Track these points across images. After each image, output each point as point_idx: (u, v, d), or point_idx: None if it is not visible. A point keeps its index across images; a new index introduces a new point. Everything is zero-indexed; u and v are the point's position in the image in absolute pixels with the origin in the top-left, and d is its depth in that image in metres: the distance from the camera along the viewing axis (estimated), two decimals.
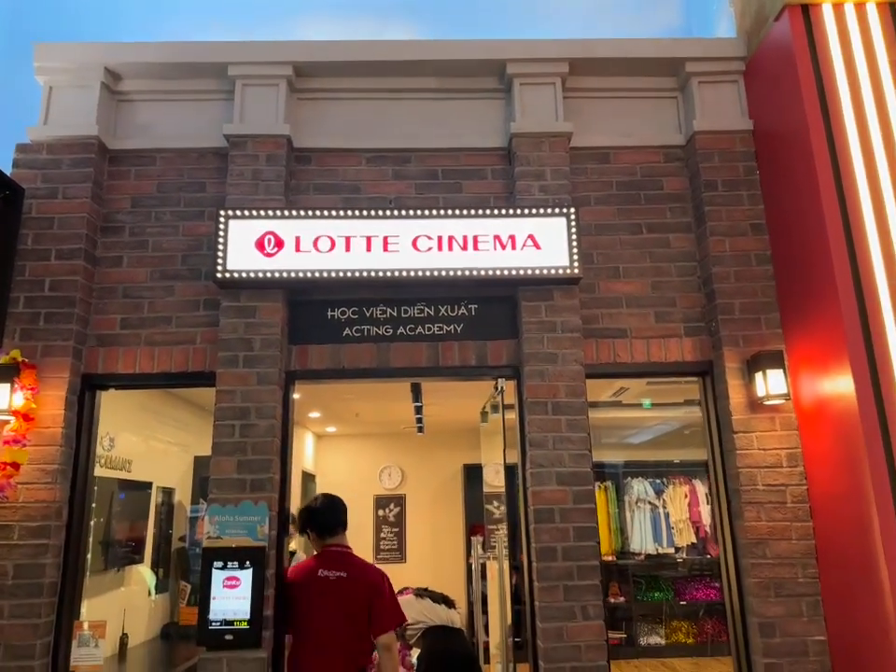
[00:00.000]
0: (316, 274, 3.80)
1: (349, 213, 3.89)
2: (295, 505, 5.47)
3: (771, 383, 3.63)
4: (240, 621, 3.36)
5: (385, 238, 3.86)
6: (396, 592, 5.46)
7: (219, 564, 3.43)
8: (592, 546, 3.57)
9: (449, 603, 4.93)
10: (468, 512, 9.11)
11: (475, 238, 3.87)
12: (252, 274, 3.78)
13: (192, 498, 6.48)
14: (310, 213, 3.88)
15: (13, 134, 4.04)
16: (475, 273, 3.82)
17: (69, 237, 3.89)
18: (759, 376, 3.68)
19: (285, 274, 3.79)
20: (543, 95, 4.21)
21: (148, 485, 5.84)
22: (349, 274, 3.80)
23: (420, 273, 3.82)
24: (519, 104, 4.20)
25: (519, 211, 3.91)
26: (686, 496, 7.95)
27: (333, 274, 3.80)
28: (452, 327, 3.95)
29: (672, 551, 7.77)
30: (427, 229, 3.88)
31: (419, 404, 6.96)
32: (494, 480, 5.82)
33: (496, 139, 4.25)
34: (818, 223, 3.51)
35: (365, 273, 3.81)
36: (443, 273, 3.82)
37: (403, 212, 3.92)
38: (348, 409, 7.70)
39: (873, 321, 3.31)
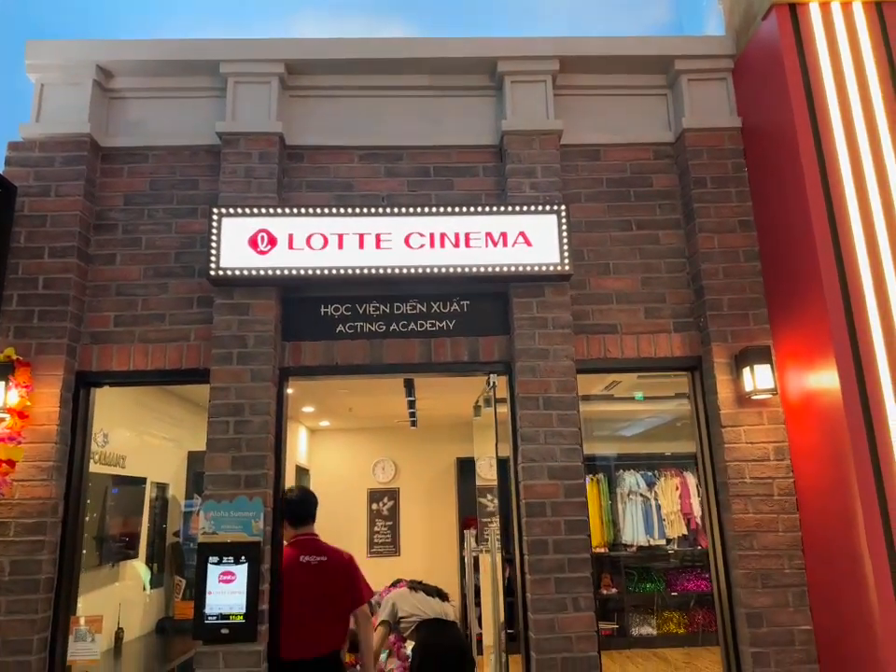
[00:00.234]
0: (309, 272, 3.82)
1: (342, 210, 3.91)
2: None
3: (758, 378, 3.68)
4: (236, 615, 3.40)
5: (378, 235, 3.88)
6: (390, 584, 5.54)
7: (215, 559, 3.46)
8: (583, 539, 3.62)
9: (443, 596, 5.00)
10: (461, 506, 9.18)
11: (467, 235, 3.90)
12: (245, 272, 3.80)
13: (186, 494, 6.51)
14: (303, 210, 3.90)
15: (5, 132, 4.05)
16: (467, 269, 3.85)
17: (62, 235, 3.90)
18: (746, 371, 3.73)
19: (278, 272, 3.81)
20: (534, 93, 4.24)
21: (143, 481, 5.86)
22: (342, 272, 3.83)
23: (412, 270, 3.84)
24: (510, 101, 4.22)
25: (510, 208, 3.95)
26: (677, 488, 8.04)
27: (326, 272, 3.82)
28: (444, 323, 3.99)
29: (663, 542, 7.87)
30: (420, 226, 3.91)
31: (412, 399, 7.00)
32: (487, 473, 5.88)
33: (487, 136, 4.27)
34: (804, 220, 3.56)
35: (358, 271, 3.83)
36: (436, 270, 3.85)
37: (396, 209, 3.94)
38: (342, 404, 7.74)
39: (857, 317, 3.36)
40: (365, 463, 9.67)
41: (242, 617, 3.40)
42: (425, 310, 4.00)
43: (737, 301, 3.95)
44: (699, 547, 7.81)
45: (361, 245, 3.87)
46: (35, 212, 3.93)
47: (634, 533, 7.84)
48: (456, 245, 3.89)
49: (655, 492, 8.02)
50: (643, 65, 4.34)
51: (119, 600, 5.26)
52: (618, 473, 8.15)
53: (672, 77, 4.34)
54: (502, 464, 4.07)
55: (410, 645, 5.03)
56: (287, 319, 3.97)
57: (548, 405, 3.77)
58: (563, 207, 3.93)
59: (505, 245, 3.89)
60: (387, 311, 3.99)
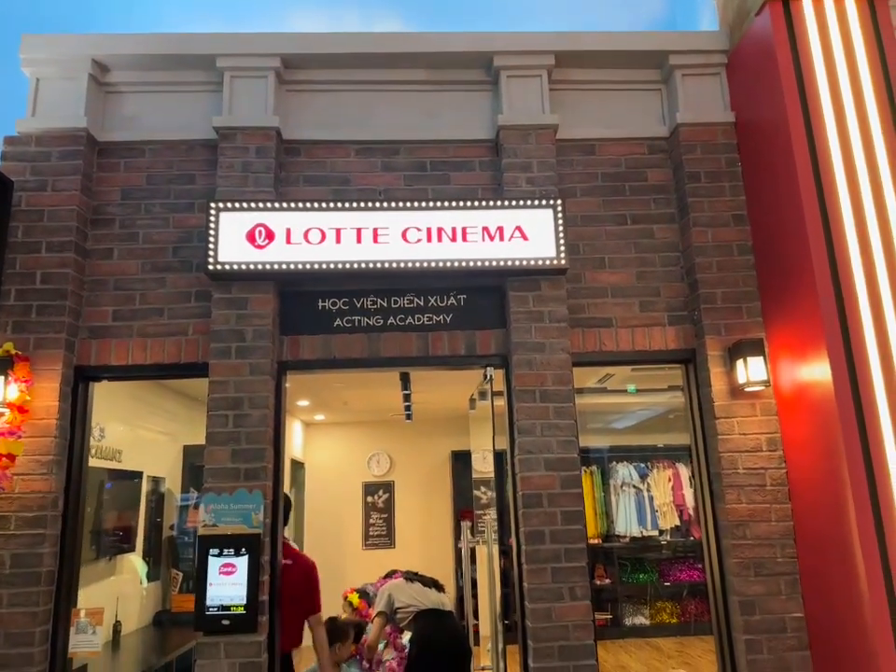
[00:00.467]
0: (307, 266, 3.84)
1: (339, 205, 3.93)
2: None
3: (751, 370, 3.73)
4: (237, 606, 3.44)
5: (375, 230, 3.91)
6: (384, 575, 5.59)
7: (215, 551, 3.49)
8: (579, 529, 3.67)
9: (438, 587, 5.03)
10: (456, 498, 9.23)
11: (464, 230, 3.93)
12: (243, 266, 3.81)
13: (182, 487, 6.53)
14: (300, 205, 3.91)
15: (1, 127, 4.04)
16: (464, 264, 3.88)
17: (59, 230, 3.90)
18: (740, 363, 3.78)
19: (276, 266, 3.83)
20: (530, 88, 4.26)
21: (139, 475, 5.88)
22: (339, 266, 3.85)
23: (410, 265, 3.87)
24: (506, 96, 4.25)
25: (507, 203, 3.97)
26: (670, 479, 8.12)
27: (324, 266, 3.84)
28: (441, 317, 4.02)
29: (656, 533, 7.95)
30: (417, 220, 3.94)
31: (408, 392, 7.03)
32: (482, 466, 5.92)
33: (483, 131, 4.30)
34: (797, 214, 3.60)
35: (355, 265, 3.86)
36: (433, 265, 3.88)
37: (393, 204, 3.96)
38: (337, 397, 7.76)
39: (849, 310, 3.41)
40: (360, 456, 9.70)
41: (242, 608, 3.44)
42: (422, 304, 4.03)
43: (731, 294, 4.00)
44: (691, 538, 7.89)
45: (359, 240, 3.89)
46: (33, 207, 3.92)
47: (627, 524, 7.91)
48: (453, 239, 3.92)
49: (648, 483, 8.09)
50: (638, 60, 4.37)
51: (117, 594, 5.28)
52: (611, 465, 8.22)
53: (666, 71, 4.37)
54: (499, 456, 4.11)
55: (406, 636, 5.07)
56: (284, 313, 3.99)
57: (544, 398, 3.82)
58: (559, 202, 3.96)
59: (502, 239, 3.92)
60: (385, 305, 4.02)
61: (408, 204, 3.96)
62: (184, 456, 6.59)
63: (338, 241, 3.88)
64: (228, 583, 3.46)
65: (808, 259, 3.50)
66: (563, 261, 3.90)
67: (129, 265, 4.01)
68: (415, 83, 4.35)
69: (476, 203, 3.97)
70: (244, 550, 3.50)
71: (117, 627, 5.21)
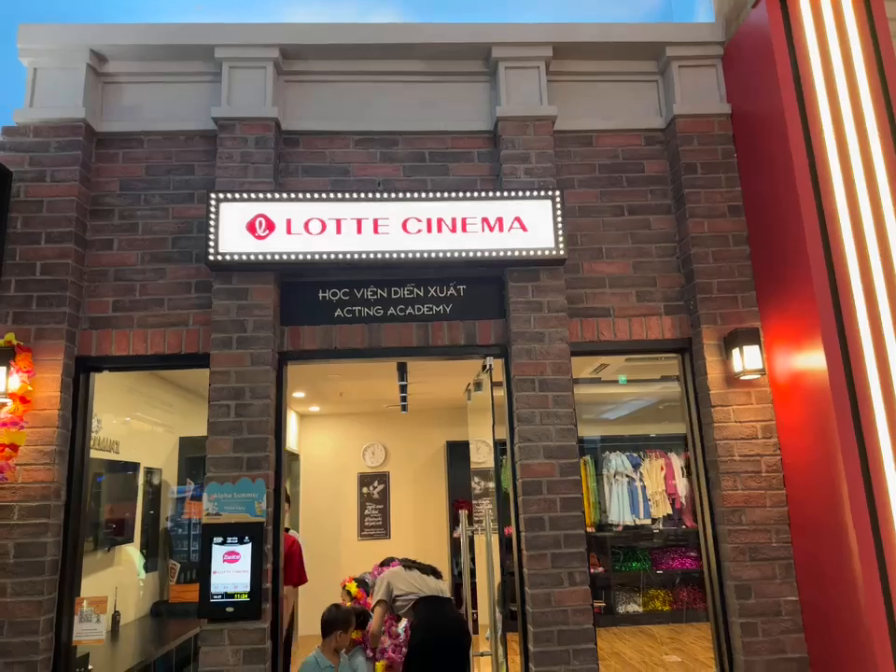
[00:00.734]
0: (308, 257, 3.86)
1: (339, 195, 3.95)
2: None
3: (747, 358, 3.79)
4: (240, 593, 3.47)
5: (376, 220, 3.93)
6: (380, 563, 5.61)
7: (219, 539, 3.53)
8: (577, 515, 3.74)
9: (436, 574, 5.06)
10: (451, 489, 9.28)
11: (463, 220, 3.96)
12: (244, 257, 3.83)
13: (178, 479, 6.53)
14: (301, 195, 3.93)
15: None
16: (464, 254, 3.91)
17: (59, 220, 3.90)
18: (736, 352, 3.84)
19: (276, 257, 3.85)
20: (528, 79, 4.29)
21: (136, 466, 5.88)
22: (340, 256, 3.87)
23: (410, 255, 3.90)
24: (504, 87, 4.27)
25: (506, 193, 4.00)
26: (662, 469, 8.17)
27: (324, 256, 3.86)
28: (441, 307, 4.05)
29: (649, 522, 8.00)
30: (417, 211, 3.96)
31: (404, 383, 7.06)
32: (478, 456, 5.96)
33: (482, 122, 4.32)
34: (792, 205, 3.65)
35: (356, 256, 3.88)
36: (433, 255, 3.90)
37: (393, 195, 3.98)
38: (333, 388, 7.78)
39: (844, 299, 3.46)
40: (355, 448, 9.74)
41: (246, 595, 3.48)
42: (422, 294, 4.06)
43: (727, 284, 4.05)
44: (684, 526, 7.96)
45: (359, 230, 3.91)
46: (32, 197, 3.92)
47: (620, 513, 7.96)
48: (453, 230, 3.95)
49: (640, 473, 8.14)
50: (635, 52, 4.40)
51: (115, 584, 5.30)
52: (604, 455, 8.27)
53: (663, 63, 4.40)
54: (498, 445, 4.15)
55: (401, 624, 5.10)
56: (285, 304, 4.01)
57: (543, 387, 3.86)
58: (557, 193, 3.99)
59: (501, 230, 3.96)
60: (385, 295, 4.05)
61: (408, 195, 3.99)
62: (180, 448, 6.60)
63: (338, 231, 3.90)
64: (232, 571, 3.50)
65: (804, 250, 3.55)
66: (561, 252, 3.93)
67: (129, 256, 4.02)
68: (414, 74, 4.36)
69: (476, 194, 4.00)
70: (247, 538, 3.54)
71: (115, 617, 5.23)
